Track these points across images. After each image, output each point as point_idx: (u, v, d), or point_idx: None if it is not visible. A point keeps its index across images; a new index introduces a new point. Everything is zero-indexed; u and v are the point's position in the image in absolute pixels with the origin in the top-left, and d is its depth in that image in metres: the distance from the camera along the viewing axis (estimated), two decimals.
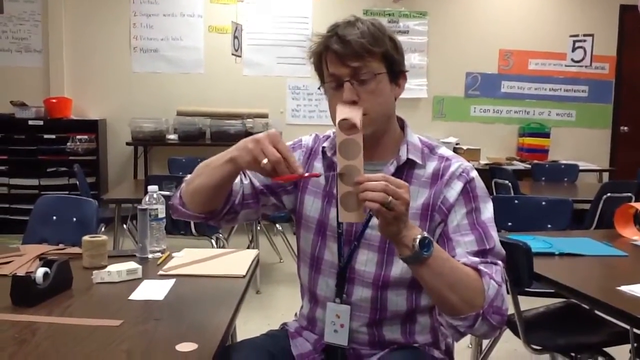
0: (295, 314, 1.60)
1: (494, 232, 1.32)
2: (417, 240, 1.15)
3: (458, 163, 1.37)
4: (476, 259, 1.27)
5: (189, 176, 1.43)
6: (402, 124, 1.44)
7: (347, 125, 1.18)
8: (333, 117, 1.29)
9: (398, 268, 1.35)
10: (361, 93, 1.29)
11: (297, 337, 1.49)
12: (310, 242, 1.45)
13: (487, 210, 1.35)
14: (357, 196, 1.12)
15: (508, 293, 2.00)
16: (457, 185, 1.34)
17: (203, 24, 5.94)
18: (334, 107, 1.30)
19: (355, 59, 1.28)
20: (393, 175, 1.32)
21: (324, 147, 1.46)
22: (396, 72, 1.34)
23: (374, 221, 1.32)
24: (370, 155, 1.34)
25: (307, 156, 1.49)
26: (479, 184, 1.36)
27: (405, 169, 1.37)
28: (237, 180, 1.43)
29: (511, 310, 2.04)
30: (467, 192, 1.34)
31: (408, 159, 1.37)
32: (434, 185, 1.35)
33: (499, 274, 1.27)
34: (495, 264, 1.29)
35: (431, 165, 1.38)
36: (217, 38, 5.86)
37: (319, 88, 1.39)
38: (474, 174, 1.37)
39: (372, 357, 1.40)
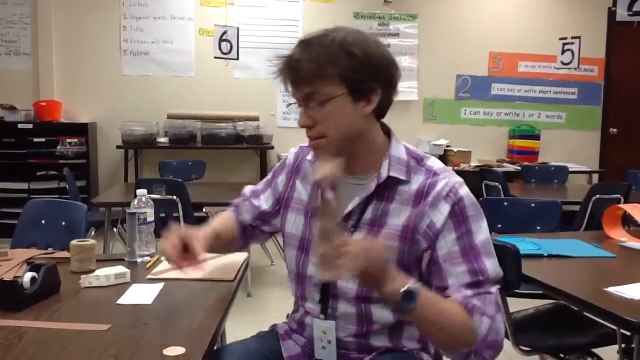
0: (287, 315, 1.59)
1: (487, 259, 1.26)
2: (401, 294, 1.13)
3: (445, 180, 1.29)
4: (468, 292, 1.24)
5: None
6: (390, 134, 1.39)
7: (323, 184, 1.18)
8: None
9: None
10: (317, 116, 1.27)
11: (287, 339, 1.48)
12: (293, 259, 1.44)
13: (481, 232, 1.28)
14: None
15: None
16: (444, 208, 1.27)
17: (193, 26, 5.93)
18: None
19: (303, 84, 1.26)
20: (374, 193, 1.31)
21: (307, 160, 1.46)
22: (361, 90, 1.26)
23: (355, 237, 1.31)
24: (352, 168, 1.34)
25: (290, 175, 1.50)
26: (470, 201, 1.29)
27: (388, 186, 1.32)
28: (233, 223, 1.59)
29: None
30: (456, 215, 1.26)
31: (389, 177, 1.31)
32: (417, 205, 1.29)
33: (492, 306, 1.24)
34: (489, 293, 1.25)
35: (417, 181, 1.32)
36: (208, 41, 5.84)
37: (288, 105, 1.39)
38: (463, 191, 1.29)
39: None
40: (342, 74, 1.24)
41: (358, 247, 1.11)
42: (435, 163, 1.36)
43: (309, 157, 1.45)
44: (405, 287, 1.13)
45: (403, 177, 1.32)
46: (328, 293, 1.38)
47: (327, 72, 1.23)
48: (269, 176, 1.59)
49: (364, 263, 1.10)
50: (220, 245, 1.54)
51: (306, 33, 1.31)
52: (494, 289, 1.26)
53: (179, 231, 1.38)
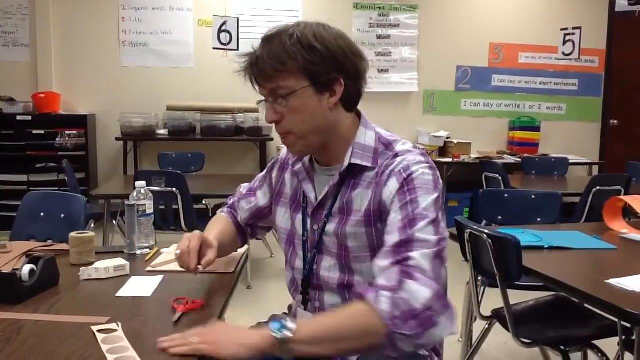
0: (290, 306, 1.59)
1: (422, 220, 1.18)
2: (271, 333, 1.10)
3: (400, 159, 1.27)
4: (381, 265, 1.17)
5: None
6: (360, 120, 1.38)
7: None
8: None
9: (361, 274, 1.33)
10: (283, 111, 1.28)
11: None
12: (285, 252, 1.49)
13: (427, 202, 1.20)
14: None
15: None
16: (393, 184, 1.25)
17: (192, 17, 5.90)
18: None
19: (266, 80, 1.28)
20: (339, 182, 1.33)
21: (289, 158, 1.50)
22: (324, 82, 1.26)
23: (329, 227, 1.35)
24: (327, 160, 1.38)
25: (281, 170, 1.54)
26: (423, 178, 1.23)
27: (355, 173, 1.32)
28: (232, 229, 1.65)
29: (500, 304, 2.06)
30: (403, 189, 1.23)
31: (353, 164, 1.31)
32: (374, 187, 1.29)
33: (395, 275, 1.13)
34: (403, 259, 1.14)
35: (381, 165, 1.31)
36: (207, 32, 5.81)
37: (258, 103, 1.38)
38: (416, 168, 1.24)
39: None
40: (302, 67, 1.24)
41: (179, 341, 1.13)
42: (403, 146, 1.32)
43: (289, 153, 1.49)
44: (272, 325, 1.11)
45: (367, 164, 1.31)
46: (309, 285, 1.41)
47: (287, 66, 1.24)
48: (265, 172, 1.62)
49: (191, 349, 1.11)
50: (222, 252, 1.56)
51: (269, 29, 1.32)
52: (417, 252, 1.15)
53: (198, 238, 1.45)
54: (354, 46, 1.32)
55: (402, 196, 1.23)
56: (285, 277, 1.53)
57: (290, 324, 1.11)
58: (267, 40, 1.29)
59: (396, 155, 1.30)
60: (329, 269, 1.37)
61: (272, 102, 1.29)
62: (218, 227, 1.61)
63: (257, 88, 1.32)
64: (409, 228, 1.18)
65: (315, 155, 1.41)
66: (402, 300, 1.10)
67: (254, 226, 1.66)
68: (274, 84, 1.27)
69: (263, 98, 1.33)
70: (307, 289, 1.42)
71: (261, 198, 1.59)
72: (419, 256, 1.14)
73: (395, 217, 1.22)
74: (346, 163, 1.32)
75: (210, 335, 1.14)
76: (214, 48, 5.27)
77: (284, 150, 1.51)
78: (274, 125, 1.33)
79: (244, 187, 1.68)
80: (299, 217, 1.43)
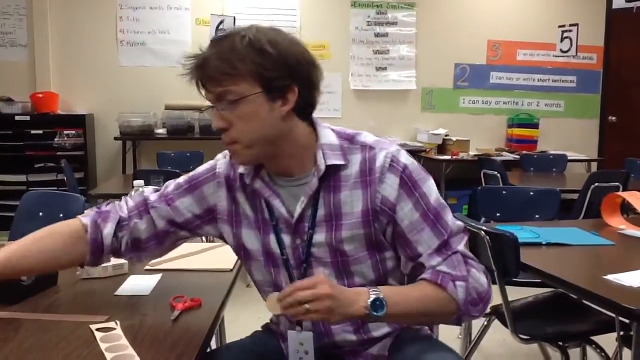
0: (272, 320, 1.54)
1: (445, 213, 1.28)
2: (368, 306, 1.15)
3: (383, 152, 1.26)
4: (437, 260, 1.25)
5: None
6: (314, 126, 1.32)
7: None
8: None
9: (360, 276, 1.31)
10: (230, 117, 1.21)
11: (286, 340, 1.46)
12: (265, 273, 1.37)
13: (432, 190, 1.28)
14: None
15: (495, 283, 2.01)
16: (393, 180, 1.25)
17: (190, 16, 5.89)
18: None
19: (213, 84, 1.20)
20: (318, 187, 1.26)
21: (242, 174, 1.33)
22: (276, 88, 1.20)
23: (316, 238, 1.28)
24: (289, 171, 1.30)
25: (227, 188, 1.37)
26: (413, 166, 1.27)
27: (330, 175, 1.27)
28: (110, 229, 1.38)
29: (499, 300, 2.06)
30: (406, 183, 1.25)
31: (328, 166, 1.26)
32: (366, 185, 1.26)
33: (461, 266, 1.25)
34: (455, 252, 1.26)
35: (356, 160, 1.27)
36: (205, 31, 5.81)
37: (202, 111, 1.33)
38: (404, 158, 1.27)
39: (378, 344, 1.38)
40: (253, 71, 1.18)
41: (291, 294, 1.12)
42: (367, 137, 1.31)
43: (241, 169, 1.33)
44: (369, 301, 1.15)
45: (341, 162, 1.27)
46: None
47: (237, 70, 1.17)
48: (185, 182, 1.41)
49: (304, 306, 1.11)
50: (20, 270, 1.36)
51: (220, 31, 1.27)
52: (460, 244, 1.28)
53: None
54: (309, 54, 1.26)
55: (409, 193, 1.25)
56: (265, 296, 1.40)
57: (385, 300, 1.16)
58: (216, 42, 1.21)
59: (369, 147, 1.28)
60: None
61: (219, 107, 1.21)
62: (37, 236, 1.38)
63: (202, 92, 1.24)
64: (439, 223, 1.27)
65: (272, 167, 1.31)
66: (474, 288, 1.25)
67: (167, 234, 1.41)
68: (222, 87, 1.19)
69: (208, 104, 1.24)
70: None
71: (183, 209, 1.38)
72: (462, 247, 1.28)
73: (411, 214, 1.26)
74: (322, 166, 1.26)
75: (324, 304, 1.11)
76: None
77: (222, 164, 1.39)
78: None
79: (148, 192, 1.44)
80: (272, 236, 1.32)
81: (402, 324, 1.29)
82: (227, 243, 1.43)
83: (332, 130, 1.32)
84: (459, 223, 1.31)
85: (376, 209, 1.26)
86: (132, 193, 1.86)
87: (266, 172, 1.32)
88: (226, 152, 1.37)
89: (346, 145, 1.29)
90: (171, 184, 1.42)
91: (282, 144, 1.26)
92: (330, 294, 1.12)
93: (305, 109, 1.26)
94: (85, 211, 1.47)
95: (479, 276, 1.27)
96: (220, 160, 1.40)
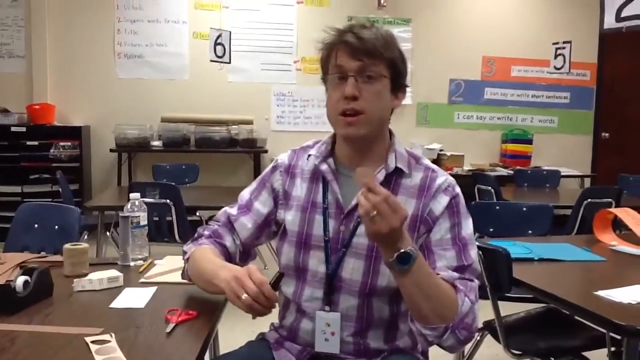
0: (272, 325, 1.58)
1: (472, 250, 1.37)
2: (397, 254, 1.19)
3: (444, 177, 1.41)
4: (455, 274, 1.33)
5: (188, 259, 1.50)
6: (390, 134, 1.49)
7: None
8: (330, 109, 1.38)
9: (385, 277, 1.36)
10: (363, 91, 1.33)
11: (279, 348, 1.47)
12: (292, 255, 1.44)
13: (468, 227, 1.39)
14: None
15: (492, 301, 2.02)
16: (444, 199, 1.38)
17: (187, 30, 5.94)
18: (333, 99, 1.37)
19: (367, 55, 1.32)
20: (382, 182, 1.36)
21: (309, 156, 1.48)
22: (398, 83, 1.39)
23: (361, 229, 1.35)
24: (361, 160, 1.41)
25: (287, 174, 1.51)
26: (462, 200, 1.41)
27: (394, 178, 1.41)
28: (230, 241, 1.52)
29: (492, 315, 2.07)
30: (452, 207, 1.38)
31: (396, 168, 1.40)
32: (421, 197, 1.39)
33: (473, 292, 1.32)
34: (472, 280, 1.34)
35: (417, 176, 1.42)
36: (202, 44, 5.86)
37: (322, 79, 1.42)
38: (458, 190, 1.42)
39: None
40: (393, 61, 1.36)
41: (382, 196, 1.15)
42: (429, 162, 1.47)
43: (313, 151, 1.47)
44: (401, 250, 1.19)
45: (407, 170, 1.41)
46: (332, 285, 1.39)
47: (387, 53, 1.34)
48: (256, 184, 1.55)
49: (373, 211, 1.14)
50: None
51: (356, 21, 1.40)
52: (476, 281, 1.36)
53: (256, 274, 1.27)
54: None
55: (451, 215, 1.38)
56: (284, 285, 1.46)
57: (413, 260, 1.20)
58: (363, 26, 1.36)
59: (432, 170, 1.43)
60: (351, 272, 1.38)
61: (357, 78, 1.33)
62: (213, 257, 1.45)
63: (337, 63, 1.35)
64: (463, 253, 1.35)
65: (349, 154, 1.43)
66: (473, 314, 1.30)
67: (253, 244, 1.55)
68: (371, 60, 1.33)
69: (325, 74, 1.39)
70: (331, 289, 1.39)
71: (261, 207, 1.51)
72: (475, 285, 1.35)
73: (444, 235, 1.36)
74: (392, 165, 1.40)
75: (391, 220, 1.15)
76: (211, 60, 5.29)
77: (284, 156, 1.54)
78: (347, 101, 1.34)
79: (230, 210, 1.55)
80: (319, 218, 1.42)
81: (406, 290, 1.26)
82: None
83: (403, 146, 1.48)
84: (479, 269, 1.39)
85: (422, 218, 1.37)
86: (128, 206, 1.87)
87: (333, 160, 1.45)
88: (289, 151, 1.54)
89: (412, 162, 1.45)
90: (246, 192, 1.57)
91: (380, 132, 1.42)
92: (395, 227, 1.15)
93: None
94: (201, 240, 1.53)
95: (478, 314, 1.33)
96: (282, 155, 1.55)
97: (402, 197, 1.38)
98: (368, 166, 1.36)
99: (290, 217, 1.47)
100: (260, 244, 1.59)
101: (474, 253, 1.37)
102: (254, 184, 1.57)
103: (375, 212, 1.14)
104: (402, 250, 1.18)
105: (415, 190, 1.40)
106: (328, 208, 1.42)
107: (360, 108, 1.34)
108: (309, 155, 1.48)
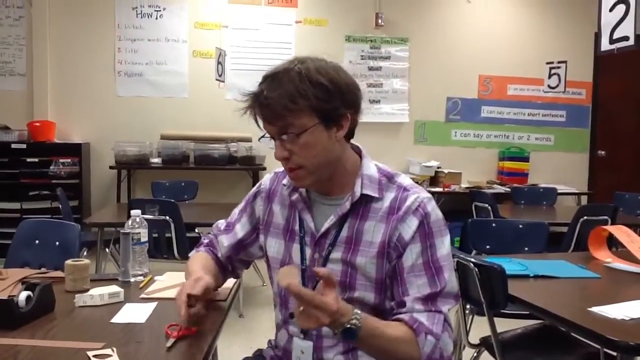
0: (269, 342, 1.61)
1: (447, 271, 1.33)
2: (341, 330, 1.17)
3: (415, 195, 1.36)
4: (420, 308, 1.30)
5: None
6: (359, 154, 1.45)
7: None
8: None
9: (361, 293, 1.36)
10: (293, 148, 1.31)
11: None
12: (275, 281, 1.47)
13: (443, 246, 1.34)
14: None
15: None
16: (413, 222, 1.33)
17: (187, 48, 6.00)
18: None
19: (277, 119, 1.29)
20: (349, 211, 1.37)
21: (283, 185, 1.49)
22: (332, 118, 1.31)
23: (335, 255, 1.37)
24: (328, 190, 1.41)
25: (267, 200, 1.54)
26: (435, 217, 1.35)
27: (362, 204, 1.38)
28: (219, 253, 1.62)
29: (488, 332, 2.09)
30: (423, 229, 1.33)
31: (363, 195, 1.37)
32: (390, 220, 1.35)
33: (439, 324, 1.29)
34: (439, 312, 1.31)
35: (389, 197, 1.37)
36: (201, 63, 5.93)
37: (259, 139, 1.39)
38: (431, 207, 1.35)
39: None
40: (313, 105, 1.27)
41: (315, 309, 1.13)
42: (405, 180, 1.42)
43: (284, 181, 1.48)
44: (346, 326, 1.17)
45: (375, 195, 1.38)
46: None
47: (299, 105, 1.26)
48: (243, 204, 1.61)
49: (320, 322, 1.14)
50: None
51: (270, 68, 1.34)
52: (446, 307, 1.32)
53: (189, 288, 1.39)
54: (351, 77, 1.36)
55: (423, 238, 1.33)
56: (276, 308, 1.52)
57: (358, 331, 1.18)
58: (273, 78, 1.29)
59: (404, 189, 1.38)
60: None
61: (282, 139, 1.31)
62: (201, 263, 1.58)
63: (260, 125, 1.34)
64: (437, 276, 1.31)
65: (320, 186, 1.41)
66: (441, 349, 1.28)
67: (234, 260, 1.63)
68: (284, 121, 1.28)
69: (265, 135, 1.35)
70: None
71: (239, 230, 1.57)
72: (447, 311, 1.32)
73: (416, 260, 1.32)
74: (358, 193, 1.36)
75: (320, 319, 1.14)
76: (216, 79, 5.35)
77: (267, 180, 1.57)
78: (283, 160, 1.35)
79: (221, 223, 1.66)
80: (296, 246, 1.43)
81: (365, 351, 1.30)
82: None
83: (376, 165, 1.44)
84: (456, 288, 1.35)
85: (391, 244, 1.34)
86: (129, 222, 1.89)
87: (305, 189, 1.44)
88: (272, 173, 1.57)
89: (384, 182, 1.40)
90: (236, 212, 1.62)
91: (337, 165, 1.38)
92: (330, 316, 1.15)
93: (351, 130, 1.38)
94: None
95: (449, 342, 1.30)
96: (265, 177, 1.58)
97: (371, 222, 1.36)
98: (336, 195, 1.40)
99: (270, 245, 1.50)
100: (246, 261, 1.65)
101: (448, 274, 1.33)
102: (242, 203, 1.62)
103: (302, 309, 1.14)
104: (345, 326, 1.17)
105: (385, 213, 1.36)
106: (304, 236, 1.43)
107: (296, 165, 1.33)
108: (283, 185, 1.49)
